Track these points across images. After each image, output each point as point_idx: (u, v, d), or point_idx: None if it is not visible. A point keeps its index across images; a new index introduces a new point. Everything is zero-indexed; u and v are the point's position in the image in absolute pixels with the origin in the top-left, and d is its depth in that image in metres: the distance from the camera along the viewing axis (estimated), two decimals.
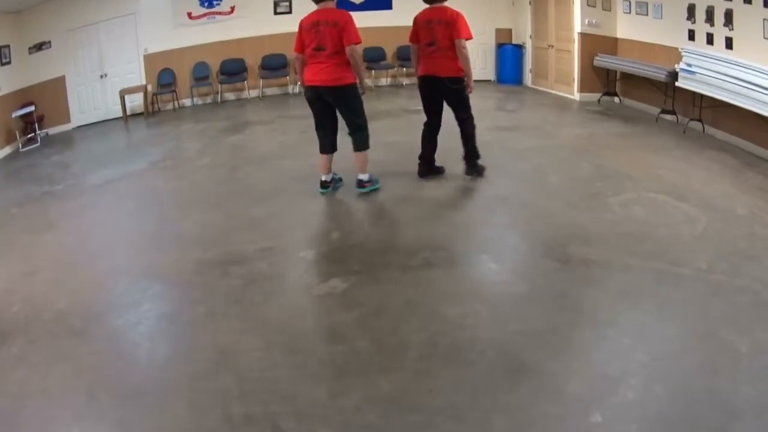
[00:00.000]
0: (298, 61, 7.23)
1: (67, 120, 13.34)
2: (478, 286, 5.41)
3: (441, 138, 7.90)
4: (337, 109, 7.28)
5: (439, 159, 8.06)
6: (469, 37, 7.35)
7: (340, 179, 7.83)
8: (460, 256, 5.91)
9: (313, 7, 7.04)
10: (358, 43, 6.95)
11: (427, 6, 7.54)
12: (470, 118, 7.72)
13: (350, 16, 6.97)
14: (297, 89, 15.34)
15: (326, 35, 6.89)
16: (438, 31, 7.35)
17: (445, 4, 7.50)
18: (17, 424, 3.74)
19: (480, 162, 7.97)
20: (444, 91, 7.54)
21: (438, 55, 7.41)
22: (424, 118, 7.81)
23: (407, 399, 3.75)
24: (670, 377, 3.86)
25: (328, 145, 7.45)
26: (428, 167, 8.02)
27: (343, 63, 6.96)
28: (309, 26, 7.00)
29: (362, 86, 7.22)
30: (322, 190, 7.60)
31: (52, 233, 7.08)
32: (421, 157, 8.00)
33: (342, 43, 6.87)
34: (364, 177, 7.55)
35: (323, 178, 7.60)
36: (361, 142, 7.37)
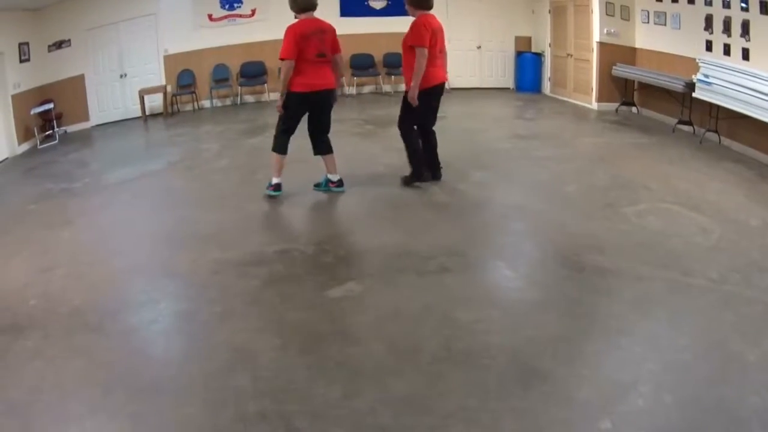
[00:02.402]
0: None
1: (86, 118, 13.47)
2: (493, 292, 5.44)
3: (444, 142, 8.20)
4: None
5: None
6: None
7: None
8: (475, 262, 5.94)
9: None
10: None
11: (427, 12, 7.60)
12: None
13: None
14: None
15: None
16: (441, 39, 7.61)
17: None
18: (31, 416, 3.78)
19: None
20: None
21: (443, 62, 7.74)
22: (438, 123, 7.91)
23: (420, 401, 3.79)
24: (679, 386, 3.89)
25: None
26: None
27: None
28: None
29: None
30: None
31: (69, 230, 7.15)
32: (424, 166, 8.07)
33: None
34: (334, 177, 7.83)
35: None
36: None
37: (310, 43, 7.08)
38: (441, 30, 7.61)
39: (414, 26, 7.42)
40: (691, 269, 5.51)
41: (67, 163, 10.35)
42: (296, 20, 7.17)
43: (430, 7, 7.60)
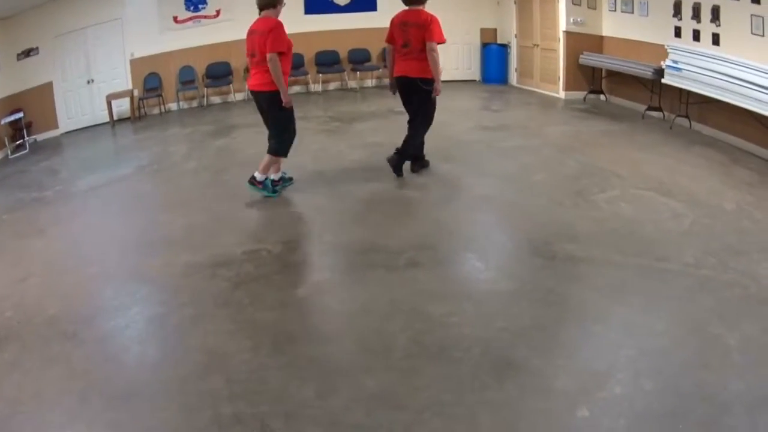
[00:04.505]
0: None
1: (55, 126, 13.29)
2: (464, 284, 5.43)
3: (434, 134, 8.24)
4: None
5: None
6: (442, 41, 7.63)
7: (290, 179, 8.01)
8: (445, 256, 5.93)
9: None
10: (272, 51, 6.86)
11: (404, 8, 7.77)
12: (429, 121, 7.99)
13: (276, 25, 6.94)
14: None
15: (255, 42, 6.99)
16: (411, 34, 7.58)
17: (422, 7, 7.72)
18: (11, 428, 3.74)
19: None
20: (416, 90, 7.74)
21: (412, 57, 7.67)
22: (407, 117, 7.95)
23: (394, 397, 3.77)
24: (658, 372, 3.89)
25: None
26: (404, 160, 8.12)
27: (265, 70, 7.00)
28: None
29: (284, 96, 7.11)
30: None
31: (42, 239, 7.06)
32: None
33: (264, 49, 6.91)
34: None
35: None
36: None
37: None
38: (407, 24, 7.65)
39: None
40: (665, 255, 5.54)
41: (38, 171, 10.22)
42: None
43: (404, 2, 7.77)
